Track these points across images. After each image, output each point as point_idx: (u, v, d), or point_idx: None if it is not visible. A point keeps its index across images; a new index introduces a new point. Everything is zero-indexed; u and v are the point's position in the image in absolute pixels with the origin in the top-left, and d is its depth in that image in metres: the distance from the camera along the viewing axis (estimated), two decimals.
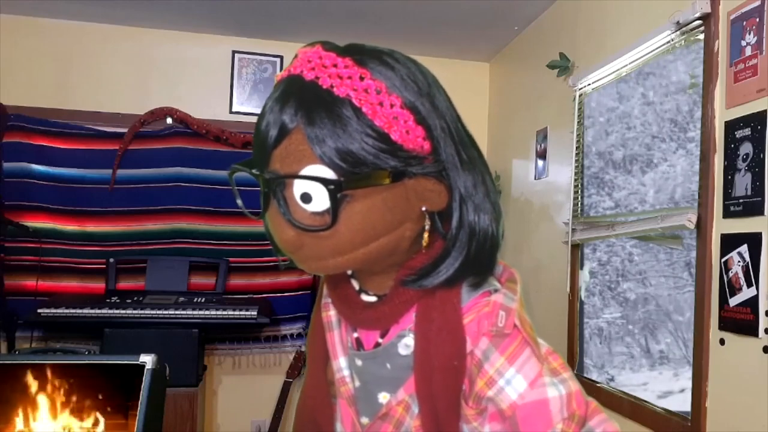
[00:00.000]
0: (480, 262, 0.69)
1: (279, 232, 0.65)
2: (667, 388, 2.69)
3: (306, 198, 0.62)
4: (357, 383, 0.77)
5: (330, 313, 0.79)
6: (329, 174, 0.61)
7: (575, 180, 2.55)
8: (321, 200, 0.61)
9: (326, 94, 0.61)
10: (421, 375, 0.69)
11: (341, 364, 0.78)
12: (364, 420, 0.76)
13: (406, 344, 0.71)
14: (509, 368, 0.67)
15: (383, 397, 0.74)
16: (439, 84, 0.69)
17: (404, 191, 0.64)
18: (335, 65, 0.62)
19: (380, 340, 0.74)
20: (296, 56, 0.65)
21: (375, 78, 0.62)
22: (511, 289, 0.70)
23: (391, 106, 0.62)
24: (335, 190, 0.60)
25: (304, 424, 0.82)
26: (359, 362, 0.76)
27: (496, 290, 0.70)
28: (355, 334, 0.77)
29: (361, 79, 0.62)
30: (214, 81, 3.42)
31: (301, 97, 0.62)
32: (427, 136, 0.64)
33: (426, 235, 0.67)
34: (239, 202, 0.72)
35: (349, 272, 0.77)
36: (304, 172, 0.61)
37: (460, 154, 0.67)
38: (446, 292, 0.69)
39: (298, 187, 0.62)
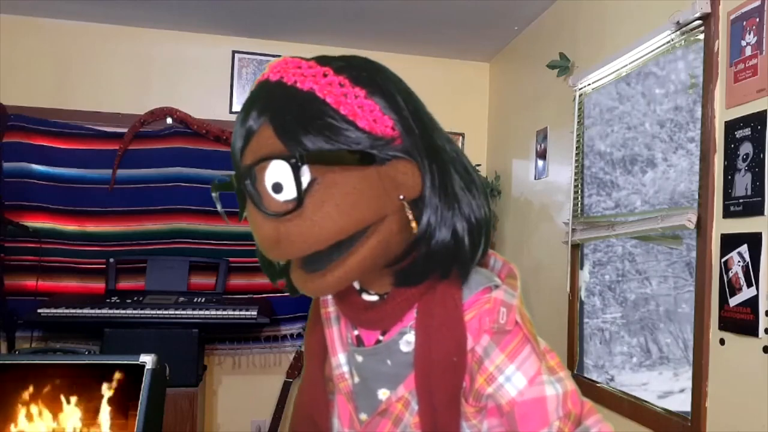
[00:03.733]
0: (459, 247, 0.68)
1: (257, 228, 0.65)
2: (667, 388, 2.68)
3: (277, 188, 0.62)
4: (356, 379, 0.77)
5: (329, 309, 0.80)
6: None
7: (575, 180, 2.55)
8: (291, 187, 0.61)
9: (291, 89, 0.63)
10: (421, 370, 0.69)
11: (341, 360, 0.78)
12: (363, 416, 0.76)
13: (408, 341, 0.71)
14: (509, 365, 0.67)
15: (383, 394, 0.74)
16: (400, 79, 0.70)
17: (377, 178, 0.64)
18: (299, 67, 0.65)
19: (381, 337, 0.74)
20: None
21: (338, 74, 0.65)
22: (511, 285, 0.71)
23: (356, 97, 0.64)
24: (297, 163, 0.61)
25: (301, 420, 0.82)
26: (359, 358, 0.76)
27: (496, 286, 0.70)
28: (356, 331, 0.77)
29: (324, 75, 0.64)
30: (214, 81, 3.42)
31: (267, 97, 0.64)
32: (396, 125, 0.65)
33: (414, 224, 0.67)
34: (219, 207, 0.70)
35: None
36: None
37: (432, 139, 0.68)
38: (447, 289, 0.69)
39: (269, 177, 0.62)
